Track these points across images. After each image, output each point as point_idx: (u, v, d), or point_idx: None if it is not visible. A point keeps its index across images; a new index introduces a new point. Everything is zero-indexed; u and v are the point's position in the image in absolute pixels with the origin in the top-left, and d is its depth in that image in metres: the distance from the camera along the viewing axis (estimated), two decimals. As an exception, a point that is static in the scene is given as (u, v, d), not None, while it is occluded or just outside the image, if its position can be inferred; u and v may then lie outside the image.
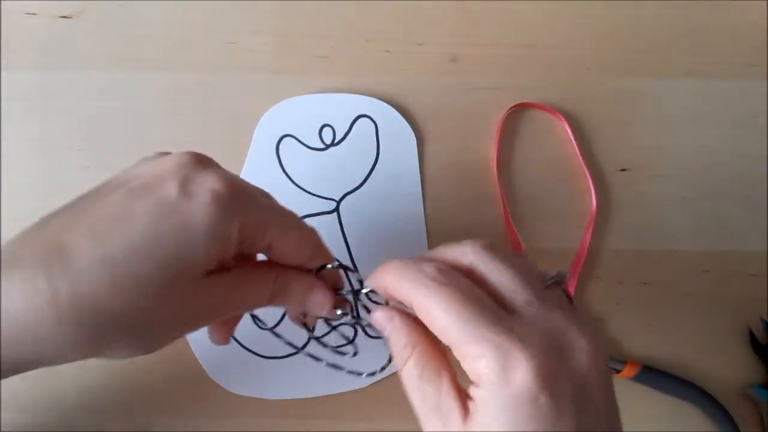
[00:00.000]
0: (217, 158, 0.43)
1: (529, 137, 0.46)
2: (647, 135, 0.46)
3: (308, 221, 0.43)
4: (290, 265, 0.29)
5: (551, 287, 0.26)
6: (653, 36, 0.48)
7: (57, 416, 0.40)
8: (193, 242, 0.25)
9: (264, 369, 0.41)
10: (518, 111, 0.46)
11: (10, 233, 0.42)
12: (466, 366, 0.24)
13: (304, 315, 0.31)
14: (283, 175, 0.44)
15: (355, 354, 0.31)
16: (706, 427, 0.42)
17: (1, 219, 0.43)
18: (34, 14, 0.46)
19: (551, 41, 0.47)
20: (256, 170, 0.44)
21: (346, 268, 0.30)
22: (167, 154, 0.28)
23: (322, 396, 0.41)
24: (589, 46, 0.47)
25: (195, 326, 0.27)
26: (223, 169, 0.27)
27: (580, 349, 0.24)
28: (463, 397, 0.24)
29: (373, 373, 0.31)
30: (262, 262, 0.30)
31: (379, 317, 0.28)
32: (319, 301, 0.30)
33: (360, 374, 0.31)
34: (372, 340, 0.31)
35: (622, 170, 0.45)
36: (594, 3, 0.48)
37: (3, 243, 0.25)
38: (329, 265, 0.29)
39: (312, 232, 0.30)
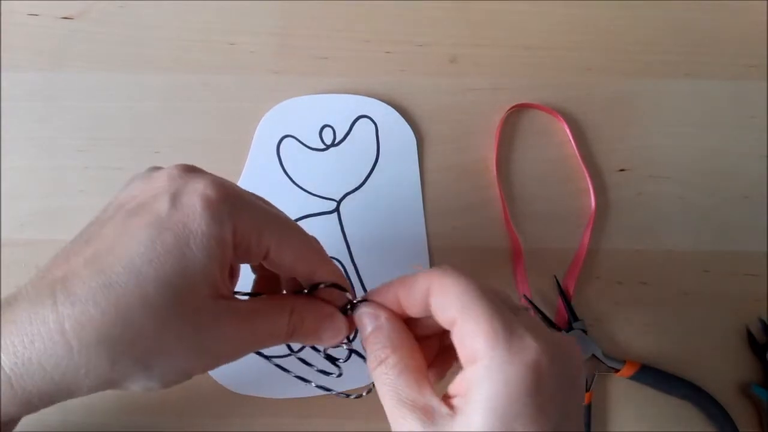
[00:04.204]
0: (217, 158, 0.44)
1: (528, 138, 0.46)
2: (646, 135, 0.46)
3: (308, 221, 0.43)
4: (291, 275, 0.29)
5: None
6: (652, 36, 0.48)
7: (57, 416, 0.40)
8: (190, 253, 0.24)
9: (264, 368, 0.41)
10: (518, 111, 0.46)
11: (10, 233, 0.43)
12: (468, 344, 0.25)
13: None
14: (284, 175, 0.44)
15: (339, 375, 0.31)
16: (705, 427, 0.42)
17: (0, 219, 0.43)
18: (36, 15, 0.46)
19: (551, 42, 0.47)
20: (257, 170, 0.44)
21: (339, 287, 0.29)
22: (158, 169, 0.28)
23: (322, 395, 0.41)
24: (589, 47, 0.47)
25: (213, 357, 0.26)
26: (214, 175, 0.27)
27: (569, 349, 0.26)
28: (445, 398, 0.25)
29: (360, 396, 0.31)
30: (275, 295, 0.29)
31: (364, 313, 0.28)
32: (336, 328, 0.29)
33: (348, 395, 0.31)
34: (360, 360, 0.31)
35: (621, 170, 0.45)
36: (593, 4, 0.48)
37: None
38: (322, 285, 0.29)
39: (312, 240, 0.29)
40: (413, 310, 0.28)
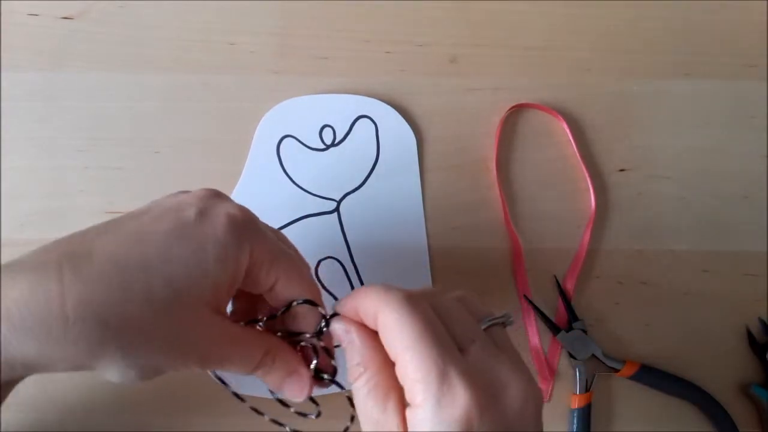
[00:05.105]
0: (217, 158, 0.44)
1: (528, 138, 0.46)
2: (646, 135, 0.46)
3: (308, 221, 0.43)
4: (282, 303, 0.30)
5: (493, 327, 0.28)
6: (652, 36, 0.48)
7: (57, 416, 0.40)
8: (205, 263, 0.26)
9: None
10: (517, 111, 0.46)
11: (10, 233, 0.43)
12: (407, 386, 0.25)
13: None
14: (284, 175, 0.44)
15: (318, 415, 0.31)
16: (705, 427, 0.42)
17: (0, 219, 0.43)
18: (36, 15, 0.46)
19: (550, 42, 0.47)
20: (257, 170, 0.44)
21: (312, 304, 0.29)
22: (187, 192, 0.29)
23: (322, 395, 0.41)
24: (588, 47, 0.47)
25: (186, 362, 0.27)
26: (238, 203, 0.29)
27: (515, 391, 0.25)
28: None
29: None
30: (259, 330, 0.31)
31: (337, 328, 0.29)
32: (297, 388, 0.30)
33: None
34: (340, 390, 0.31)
35: (621, 170, 0.45)
36: (593, 4, 0.48)
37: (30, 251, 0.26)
38: (295, 302, 0.29)
39: (313, 284, 0.30)
40: (372, 326, 0.28)
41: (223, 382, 0.31)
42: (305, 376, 0.30)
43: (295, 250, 0.32)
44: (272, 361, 0.29)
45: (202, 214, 0.27)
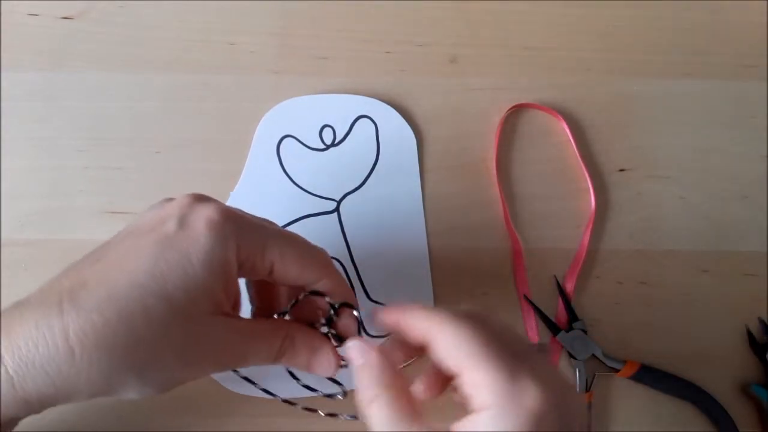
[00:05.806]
0: (217, 158, 0.44)
1: (528, 138, 0.46)
2: (646, 135, 0.46)
3: (308, 221, 0.43)
4: (297, 285, 0.30)
5: None
6: (652, 37, 0.48)
7: (57, 416, 0.40)
8: (192, 270, 0.26)
9: (264, 367, 0.41)
10: (517, 111, 0.46)
11: (10, 233, 0.43)
12: (473, 393, 0.25)
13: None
14: (284, 175, 0.44)
15: (344, 394, 0.31)
16: (705, 427, 0.42)
17: (0, 219, 0.43)
18: (36, 15, 0.46)
19: (550, 42, 0.47)
20: (257, 170, 0.44)
21: (319, 294, 0.30)
22: (171, 199, 0.29)
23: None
24: (588, 47, 0.47)
25: (203, 368, 0.28)
26: (220, 202, 0.29)
27: (573, 394, 0.26)
28: None
29: None
30: (273, 319, 0.31)
31: (354, 348, 0.29)
32: (325, 363, 0.30)
33: (356, 418, 0.31)
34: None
35: (621, 170, 0.45)
36: (593, 4, 0.48)
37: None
38: (302, 294, 0.30)
39: (316, 250, 0.30)
40: (412, 341, 0.28)
41: (270, 393, 0.32)
42: (329, 349, 0.30)
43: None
44: (293, 345, 0.29)
45: (182, 223, 0.27)
